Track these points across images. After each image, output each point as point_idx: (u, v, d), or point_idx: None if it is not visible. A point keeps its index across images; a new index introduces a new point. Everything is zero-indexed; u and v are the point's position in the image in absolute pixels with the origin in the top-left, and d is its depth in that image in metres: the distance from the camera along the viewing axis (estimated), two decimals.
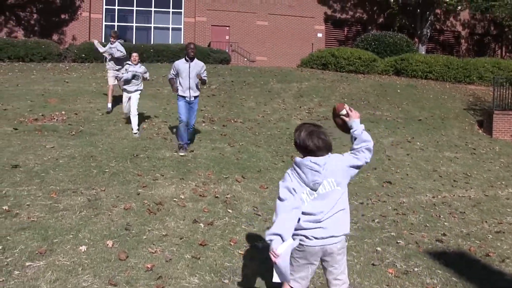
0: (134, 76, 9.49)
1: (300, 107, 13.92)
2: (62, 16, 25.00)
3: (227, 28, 27.28)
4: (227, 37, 27.15)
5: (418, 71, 21.07)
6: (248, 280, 4.36)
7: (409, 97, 16.85)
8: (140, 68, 9.62)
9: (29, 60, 18.99)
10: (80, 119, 10.23)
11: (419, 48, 26.08)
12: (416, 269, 4.94)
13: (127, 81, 9.50)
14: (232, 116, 12.03)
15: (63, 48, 21.94)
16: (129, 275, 4.21)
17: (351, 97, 15.80)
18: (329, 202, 3.09)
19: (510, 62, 22.28)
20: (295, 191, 3.04)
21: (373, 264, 4.92)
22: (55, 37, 24.46)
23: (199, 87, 8.61)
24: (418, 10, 26.63)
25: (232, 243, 5.11)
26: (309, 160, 3.08)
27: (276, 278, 3.04)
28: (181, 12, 27.09)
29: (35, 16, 24.67)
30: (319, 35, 28.95)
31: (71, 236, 4.88)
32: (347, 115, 3.37)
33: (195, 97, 8.50)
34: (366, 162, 3.28)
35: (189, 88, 8.32)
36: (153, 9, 26.81)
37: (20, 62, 18.57)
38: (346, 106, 3.41)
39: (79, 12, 25.28)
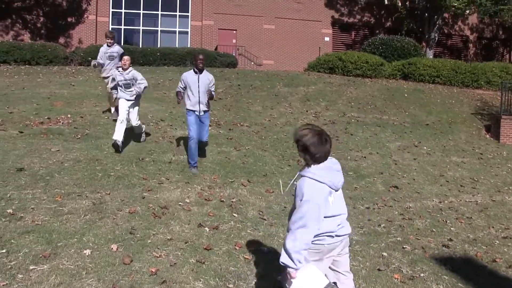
0: (126, 85, 8.32)
1: (306, 111, 13.88)
2: (69, 19, 25.10)
3: (234, 31, 27.29)
4: (234, 41, 27.17)
5: (426, 75, 20.96)
6: (253, 285, 4.32)
7: (417, 101, 16.76)
8: (130, 74, 8.31)
9: (36, 63, 19.06)
10: (86, 122, 10.24)
11: (426, 52, 25.97)
12: (422, 275, 4.89)
13: (120, 89, 8.42)
14: (238, 120, 12.01)
15: (69, 51, 22.02)
16: (133, 279, 4.19)
17: (358, 101, 15.74)
18: (343, 200, 3.27)
19: None
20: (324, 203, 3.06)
21: (379, 269, 4.88)
22: (61, 40, 24.56)
23: (209, 100, 7.95)
24: (426, 14, 26.54)
25: (237, 248, 5.08)
26: (331, 163, 3.18)
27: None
28: (188, 15, 27.14)
29: (41, 19, 24.78)
30: (326, 39, 28.91)
31: (75, 239, 4.86)
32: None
33: (205, 111, 7.86)
34: None
35: (199, 102, 7.70)
36: (160, 12, 26.88)
37: (27, 65, 18.64)
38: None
39: (85, 15, 25.37)
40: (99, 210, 5.74)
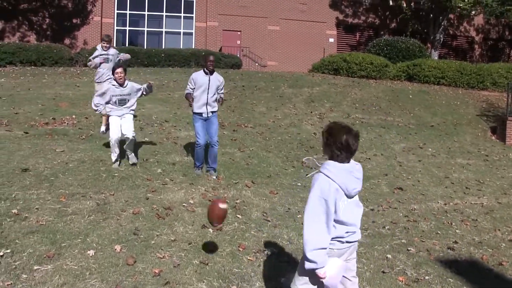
0: (122, 101, 7.41)
1: (311, 112, 13.86)
2: (74, 21, 25.20)
3: (239, 33, 27.31)
4: (238, 42, 27.19)
5: (431, 76, 20.91)
6: (257, 287, 4.31)
7: (421, 102, 16.71)
8: (127, 88, 7.43)
9: (41, 64, 19.15)
10: (91, 123, 10.27)
11: (431, 54, 25.91)
12: (427, 277, 4.86)
13: (113, 105, 7.42)
14: (242, 121, 12.01)
15: (74, 52, 22.11)
16: (136, 280, 4.19)
17: (363, 102, 15.71)
18: (357, 212, 3.16)
19: None
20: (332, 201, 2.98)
21: (383, 272, 4.85)
22: (66, 41, 24.66)
23: (216, 102, 7.59)
24: (431, 15, 26.48)
25: (241, 249, 5.06)
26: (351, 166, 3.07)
27: None
28: (192, 16, 27.18)
29: (47, 20, 24.89)
30: (331, 40, 28.89)
31: (79, 240, 4.86)
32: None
33: (213, 112, 7.54)
34: None
35: (207, 103, 7.41)
36: (164, 13, 26.93)
37: (32, 66, 18.73)
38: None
39: (90, 17, 25.46)
40: (103, 210, 5.74)
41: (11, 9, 23.87)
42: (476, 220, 7.15)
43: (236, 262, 4.75)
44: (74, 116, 10.56)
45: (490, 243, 6.22)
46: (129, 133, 7.31)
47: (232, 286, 4.26)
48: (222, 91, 7.66)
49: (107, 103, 7.34)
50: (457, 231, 6.56)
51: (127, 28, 26.56)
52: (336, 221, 3.00)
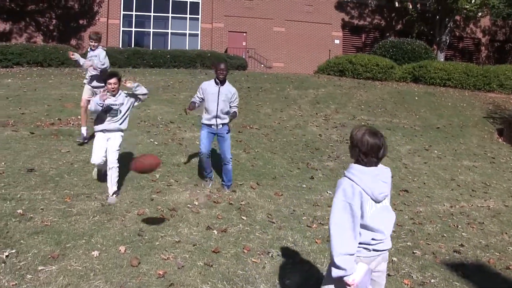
0: (109, 110, 6.23)
1: (316, 113, 13.83)
2: (80, 22, 25.29)
3: (244, 34, 27.32)
4: (244, 43, 27.20)
5: (437, 78, 20.82)
6: None
7: (427, 104, 16.64)
8: (120, 98, 6.33)
9: (47, 65, 19.21)
10: None
11: (437, 55, 25.80)
12: (432, 281, 4.83)
13: (101, 115, 6.26)
14: (248, 122, 11.99)
15: (80, 53, 22.14)
16: (140, 281, 4.18)
17: (368, 104, 15.66)
18: (387, 219, 3.04)
19: None
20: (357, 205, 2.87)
21: (388, 275, 4.82)
22: (73, 42, 24.75)
23: (227, 113, 6.91)
24: (437, 17, 26.38)
25: (245, 251, 5.05)
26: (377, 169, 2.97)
27: None
28: (198, 18, 27.22)
29: (54, 21, 25.00)
30: (337, 41, 28.85)
31: (83, 241, 4.87)
32: None
33: (223, 124, 6.88)
34: None
35: (216, 116, 6.75)
36: (170, 15, 26.98)
37: (39, 67, 18.79)
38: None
39: (97, 18, 25.54)
40: (107, 211, 5.75)
41: (18, 11, 24.02)
42: (483, 223, 7.10)
43: (241, 264, 4.73)
44: (79, 117, 10.55)
45: (497, 246, 6.17)
46: (111, 161, 6.22)
47: None
48: (235, 104, 6.90)
49: (101, 116, 6.25)
50: (463, 234, 6.52)
51: (133, 29, 26.63)
52: (361, 225, 2.89)
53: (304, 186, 7.75)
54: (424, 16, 27.47)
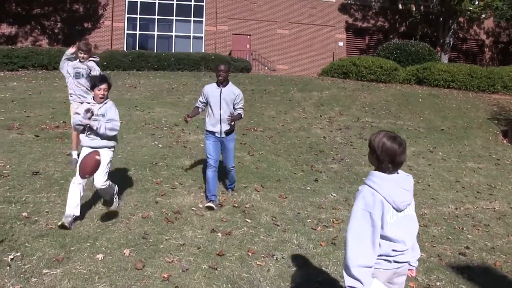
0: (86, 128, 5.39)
1: (320, 116, 13.82)
2: (85, 25, 25.42)
3: (248, 36, 27.36)
4: (248, 46, 27.23)
5: (441, 80, 20.79)
6: None
7: (431, 106, 16.61)
8: (104, 108, 5.44)
9: (53, 68, 19.28)
10: None
11: (441, 57, 25.76)
12: (438, 283, 4.81)
13: (85, 129, 5.37)
14: (252, 125, 11.99)
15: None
16: (145, 284, 4.18)
17: (372, 106, 15.64)
18: (410, 229, 2.91)
19: None
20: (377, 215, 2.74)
21: None
22: None
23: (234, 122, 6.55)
24: (441, 19, 26.35)
25: (250, 254, 5.05)
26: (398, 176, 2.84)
27: None
28: (202, 20, 27.28)
29: (59, 25, 25.15)
30: (340, 43, 28.85)
31: (88, 244, 4.87)
32: None
33: (228, 132, 6.48)
34: None
35: (220, 121, 6.37)
36: (174, 17, 27.06)
37: (44, 70, 18.89)
38: None
39: (101, 21, 25.68)
40: (112, 214, 5.75)
41: (24, 14, 24.16)
42: (488, 225, 7.07)
43: (245, 267, 4.73)
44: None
45: (503, 249, 6.14)
46: (99, 182, 5.38)
47: None
48: (240, 106, 6.50)
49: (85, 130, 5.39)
50: (468, 236, 6.49)
51: (137, 32, 26.72)
52: (381, 236, 2.74)
53: (309, 188, 7.74)
54: (428, 18, 27.45)
